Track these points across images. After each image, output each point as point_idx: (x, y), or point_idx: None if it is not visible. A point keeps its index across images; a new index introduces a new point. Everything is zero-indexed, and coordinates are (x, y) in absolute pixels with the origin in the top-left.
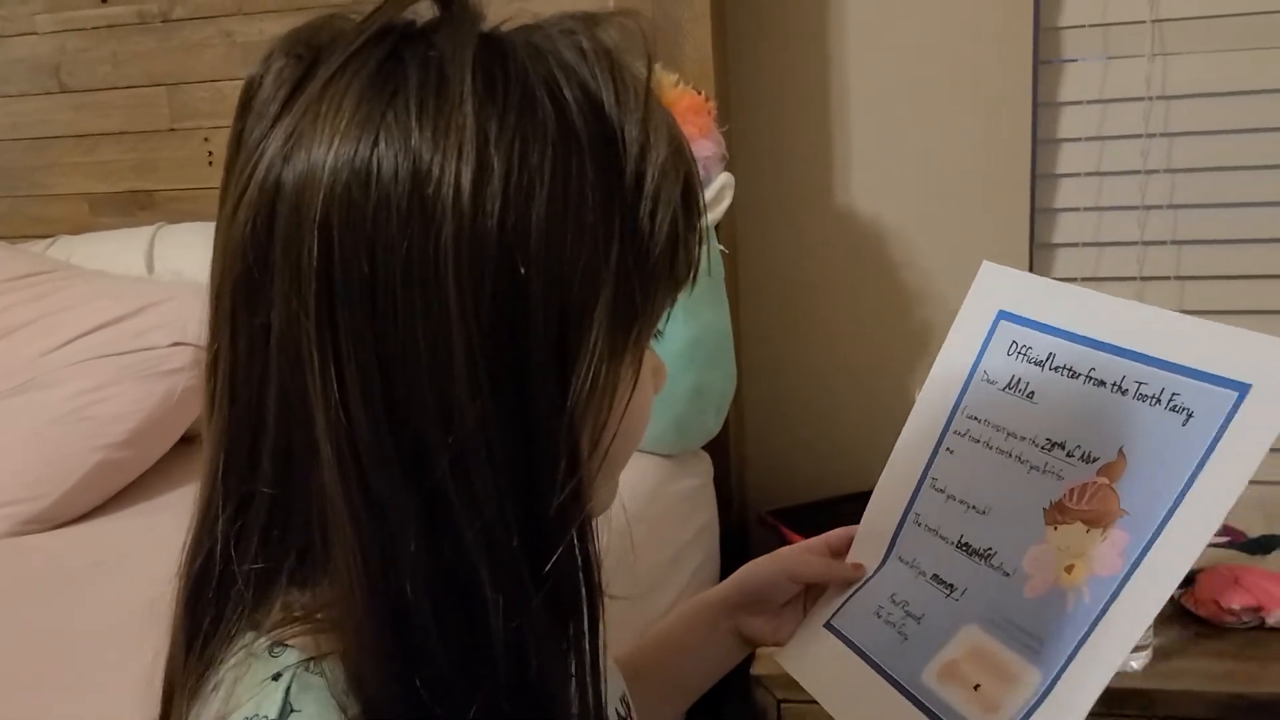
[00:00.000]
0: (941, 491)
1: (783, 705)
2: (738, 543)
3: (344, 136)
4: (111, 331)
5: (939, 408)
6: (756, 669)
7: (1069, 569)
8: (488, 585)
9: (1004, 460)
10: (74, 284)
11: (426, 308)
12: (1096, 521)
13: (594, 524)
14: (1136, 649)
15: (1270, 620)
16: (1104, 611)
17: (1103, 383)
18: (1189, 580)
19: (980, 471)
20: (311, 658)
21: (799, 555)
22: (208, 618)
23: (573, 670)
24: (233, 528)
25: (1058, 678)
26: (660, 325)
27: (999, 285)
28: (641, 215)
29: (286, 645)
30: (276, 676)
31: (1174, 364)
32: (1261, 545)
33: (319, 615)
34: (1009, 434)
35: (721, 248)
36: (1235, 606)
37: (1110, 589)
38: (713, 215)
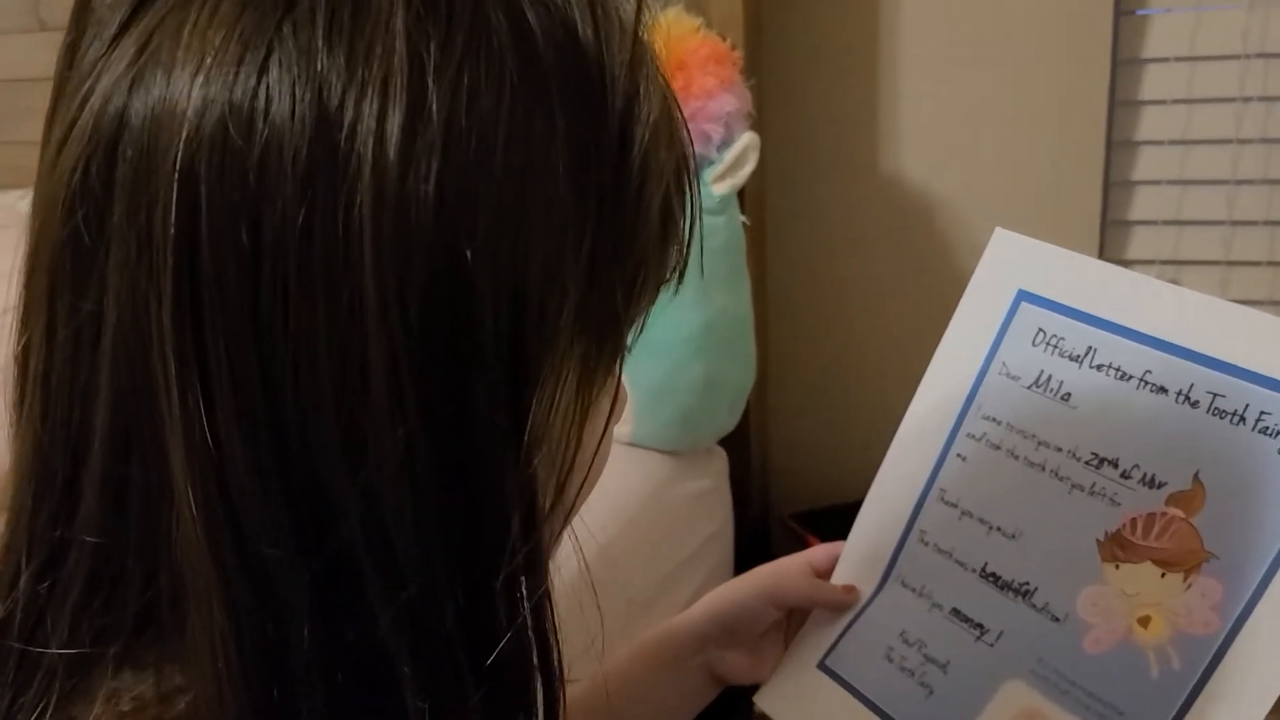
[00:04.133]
0: (954, 506)
1: None
2: (757, 550)
3: (219, 57)
4: None
5: (947, 404)
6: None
7: (1144, 621)
8: (409, 682)
9: (1035, 474)
10: None
11: (332, 298)
12: (1174, 564)
13: (552, 595)
14: None
15: None
16: (1203, 681)
17: (1164, 390)
18: None
19: (1004, 485)
20: None
21: (780, 576)
22: None
23: None
24: (39, 588)
25: None
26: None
27: (1018, 258)
28: (626, 187)
29: None
30: None
31: (1259, 375)
32: None
33: (152, 711)
34: (1040, 443)
35: (744, 219)
36: None
37: (1208, 653)
38: (734, 180)
